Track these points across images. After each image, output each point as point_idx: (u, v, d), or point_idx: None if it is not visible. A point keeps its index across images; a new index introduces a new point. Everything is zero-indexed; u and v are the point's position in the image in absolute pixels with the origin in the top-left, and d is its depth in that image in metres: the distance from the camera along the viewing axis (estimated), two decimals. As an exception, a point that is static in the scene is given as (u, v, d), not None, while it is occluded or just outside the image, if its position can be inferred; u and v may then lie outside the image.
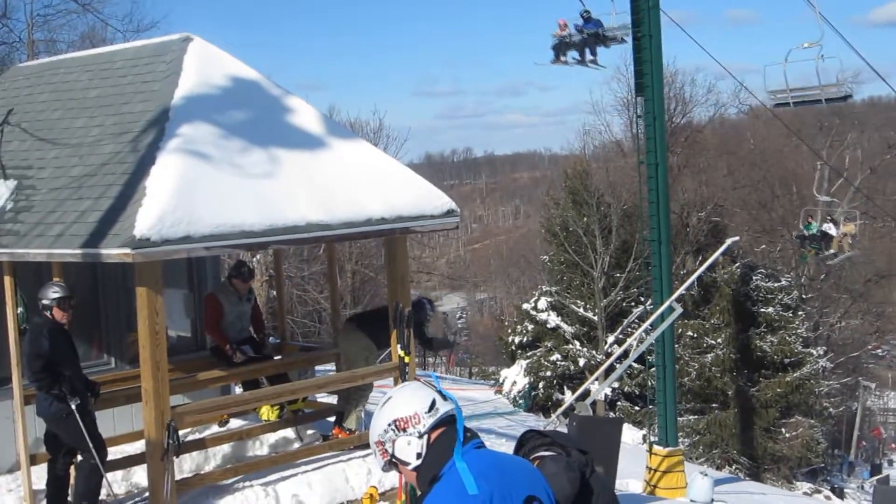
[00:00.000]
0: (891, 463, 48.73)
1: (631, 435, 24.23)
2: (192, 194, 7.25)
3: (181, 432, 7.55)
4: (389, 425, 3.15)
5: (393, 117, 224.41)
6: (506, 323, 40.66)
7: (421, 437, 3.13)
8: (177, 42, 9.30)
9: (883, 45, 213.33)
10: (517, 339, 34.18)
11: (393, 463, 3.20)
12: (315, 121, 9.31)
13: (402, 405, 3.17)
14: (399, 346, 9.06)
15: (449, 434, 3.14)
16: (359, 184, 8.60)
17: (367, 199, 8.50)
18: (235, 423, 10.33)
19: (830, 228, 21.81)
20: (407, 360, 9.05)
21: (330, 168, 8.63)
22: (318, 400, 11.85)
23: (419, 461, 3.15)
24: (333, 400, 10.98)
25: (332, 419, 10.05)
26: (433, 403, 3.16)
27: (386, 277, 10.67)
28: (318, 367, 13.73)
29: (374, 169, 8.99)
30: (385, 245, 10.00)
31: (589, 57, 20.72)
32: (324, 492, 8.46)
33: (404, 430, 3.14)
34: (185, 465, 9.02)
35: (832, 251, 22.02)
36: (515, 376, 32.59)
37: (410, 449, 3.14)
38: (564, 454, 3.36)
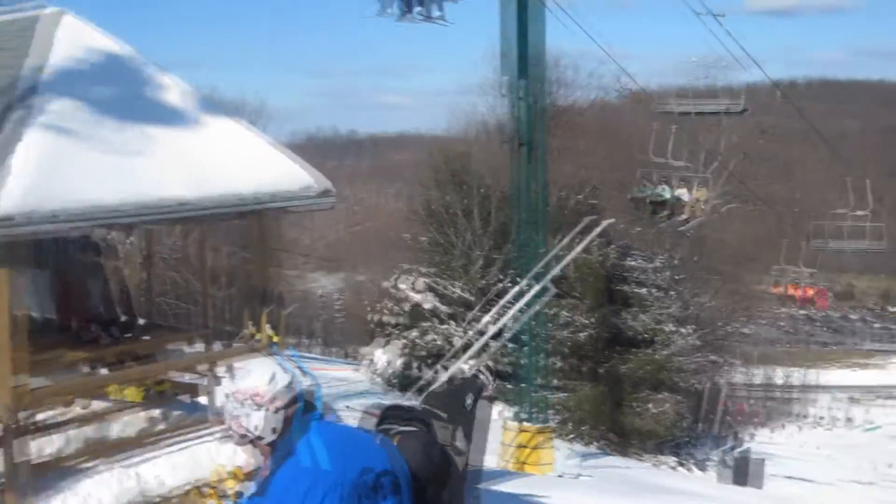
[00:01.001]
0: (752, 436, 51.12)
1: (504, 413, 24.81)
2: (58, 172, 7.18)
3: (42, 415, 7.50)
4: (245, 400, 3.14)
5: (277, 98, 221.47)
6: (381, 304, 40.91)
7: (277, 412, 3.15)
8: (49, 16, 9.14)
9: (760, 33, 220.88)
10: (393, 320, 34.48)
11: (247, 438, 3.20)
12: (189, 99, 9.30)
13: (258, 380, 3.16)
14: (268, 325, 9.22)
15: (304, 409, 3.18)
16: (232, 163, 8.63)
17: (240, 179, 8.54)
18: (99, 405, 10.26)
19: (665, 191, 22.11)
20: (276, 339, 9.22)
21: (203, 147, 8.64)
22: (186, 381, 11.84)
23: (274, 436, 3.16)
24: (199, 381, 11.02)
25: None
26: (290, 379, 3.19)
27: (252, 256, 10.74)
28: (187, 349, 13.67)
29: (248, 148, 9.03)
30: (254, 224, 10.03)
31: (436, 13, 20.26)
32: (188, 472, 8.47)
33: (260, 405, 3.14)
34: (46, 449, 8.92)
35: (684, 216, 22.48)
36: (390, 356, 32.89)
37: (266, 424, 3.14)
38: (425, 429, 3.47)
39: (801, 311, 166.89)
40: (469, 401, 3.61)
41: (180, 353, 13.33)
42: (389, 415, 3.57)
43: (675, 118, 25.68)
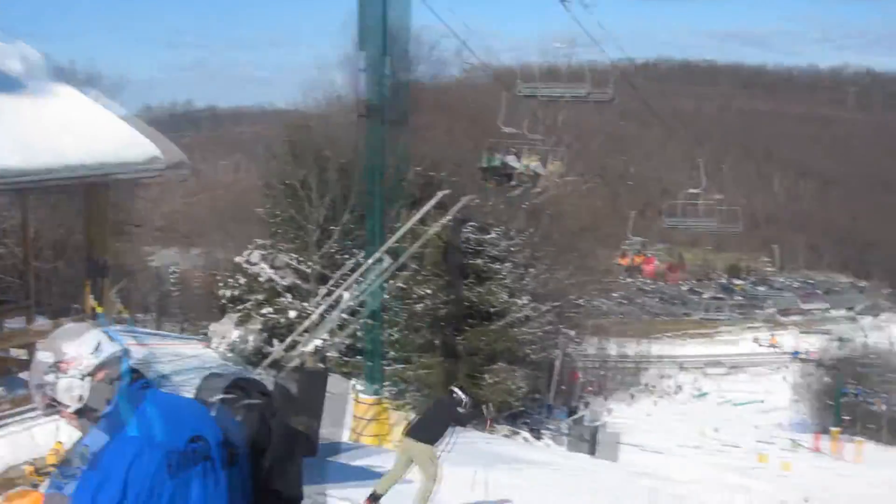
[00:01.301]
0: (587, 404, 53.08)
1: (340, 385, 24.98)
2: None
3: None
4: (50, 367, 3.06)
5: (135, 70, 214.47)
6: (218, 277, 40.39)
7: (83, 378, 3.06)
8: None
9: (619, 14, 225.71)
10: (229, 293, 34.15)
11: (53, 406, 3.11)
12: (32, 69, 9.06)
13: (64, 346, 3.07)
14: (91, 297, 9.15)
15: (113, 376, 3.09)
16: (71, 134, 8.50)
17: (78, 149, 8.41)
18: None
19: (513, 161, 22.56)
20: (100, 310, 9.16)
21: (38, 116, 8.47)
22: (9, 356, 11.57)
23: (80, 404, 3.07)
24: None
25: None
26: (98, 345, 3.09)
27: (83, 227, 10.58)
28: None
29: (92, 120, 8.90)
30: (84, 194, 9.90)
31: None
32: (5, 452, 8.33)
33: (65, 371, 3.05)
34: None
35: (538, 189, 22.99)
36: (226, 330, 32.59)
37: (72, 391, 3.05)
38: (244, 396, 3.37)
39: (648, 283, 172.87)
40: (316, 383, 3.73)
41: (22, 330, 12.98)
42: (228, 386, 3.47)
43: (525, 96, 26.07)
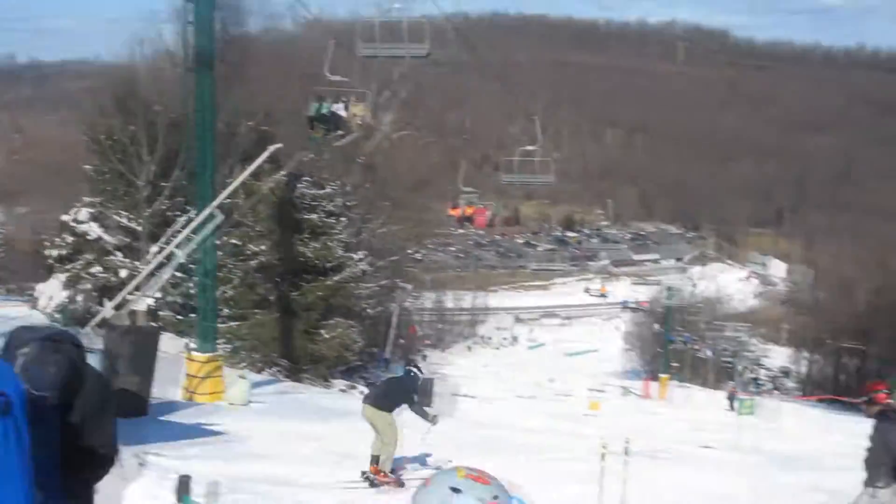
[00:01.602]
0: (425, 358, 54.17)
1: (173, 344, 24.90)
2: None
3: None
4: None
5: None
6: (44, 237, 39.15)
7: None
8: None
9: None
10: (56, 253, 33.24)
11: None
12: None
13: None
14: None
15: None
16: None
17: None
18: None
19: (340, 109, 22.69)
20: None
21: None
22: None
23: None
24: None
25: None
26: None
27: None
28: None
29: None
30: None
31: None
32: None
33: None
34: None
35: (340, 132, 23.04)
36: (53, 291, 31.79)
37: None
38: (55, 349, 3.28)
39: (484, 237, 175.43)
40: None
41: None
42: (38, 339, 3.29)
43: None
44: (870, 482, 9.01)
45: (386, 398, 13.59)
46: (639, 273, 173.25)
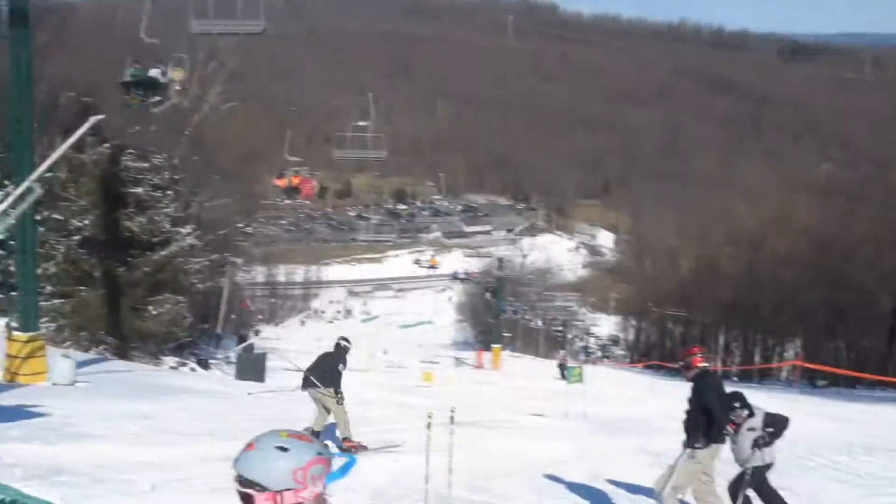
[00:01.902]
0: (257, 332, 53.74)
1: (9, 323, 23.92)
2: None
3: None
4: None
5: None
6: None
7: None
8: None
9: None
10: None
11: None
12: None
13: None
14: None
15: None
16: None
17: None
18: None
19: (157, 74, 22.15)
20: None
21: None
22: None
23: None
24: None
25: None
26: None
27: None
28: None
29: None
30: None
31: None
32: None
33: None
34: None
35: (159, 98, 22.52)
36: None
37: None
38: None
39: (310, 206, 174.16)
40: None
41: None
42: None
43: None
44: (689, 443, 9.64)
45: (321, 377, 15.07)
46: (470, 245, 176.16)
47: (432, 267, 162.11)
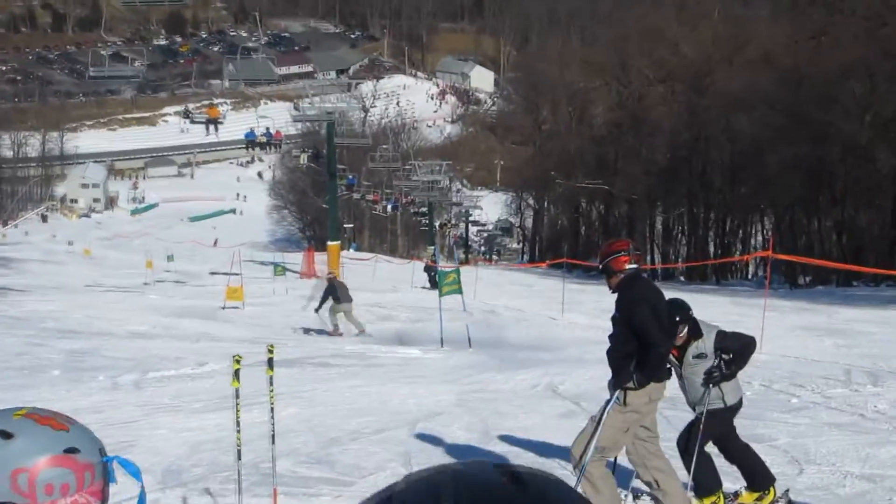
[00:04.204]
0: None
1: None
2: None
3: None
4: None
5: None
6: None
7: None
8: None
9: None
10: None
11: None
12: None
13: None
14: None
15: None
16: None
17: None
18: None
19: None
20: None
21: None
22: None
23: None
24: None
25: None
26: None
27: None
28: None
29: None
30: None
31: None
32: None
33: None
34: None
35: None
36: None
37: None
38: None
39: (39, 44, 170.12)
40: None
41: None
42: None
43: None
44: (616, 383, 9.24)
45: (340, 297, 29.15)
46: (284, 94, 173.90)
47: (211, 123, 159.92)
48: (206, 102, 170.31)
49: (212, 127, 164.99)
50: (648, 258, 72.30)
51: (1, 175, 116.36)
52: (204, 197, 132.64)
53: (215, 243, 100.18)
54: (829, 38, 66.20)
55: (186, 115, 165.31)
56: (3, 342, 22.55)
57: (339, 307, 29.12)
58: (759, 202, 69.12)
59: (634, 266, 9.38)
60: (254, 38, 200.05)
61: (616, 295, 9.37)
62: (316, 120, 66.64)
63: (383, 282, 51.02)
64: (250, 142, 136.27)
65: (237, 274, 39.33)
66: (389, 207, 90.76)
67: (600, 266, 9.33)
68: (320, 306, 29.00)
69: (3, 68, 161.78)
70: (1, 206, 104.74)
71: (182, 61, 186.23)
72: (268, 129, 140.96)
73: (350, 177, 79.62)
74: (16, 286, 40.85)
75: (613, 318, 9.36)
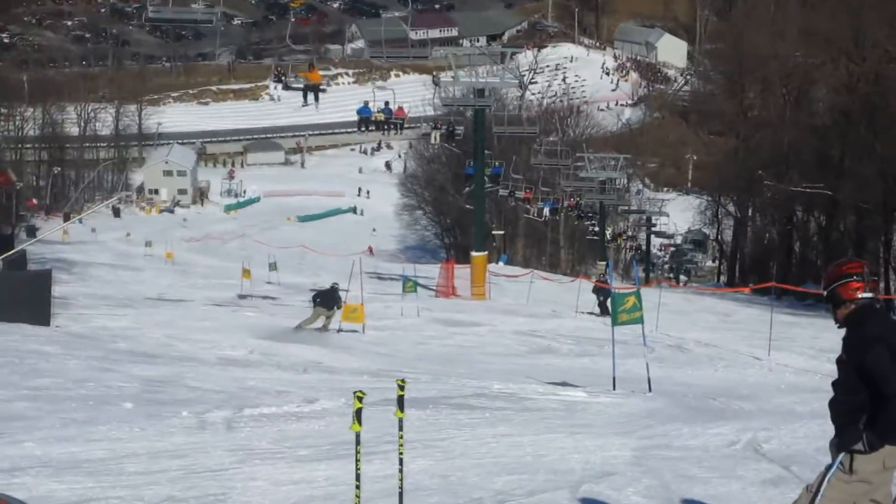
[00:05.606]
0: (32, 231, 54.06)
1: None
2: None
3: None
4: None
5: None
6: None
7: None
8: None
9: None
10: None
11: None
12: None
13: None
14: None
15: None
16: None
17: None
18: None
19: None
20: None
21: None
22: None
23: None
24: None
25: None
26: None
27: None
28: None
29: None
30: None
31: None
32: None
33: None
34: None
35: None
36: None
37: None
38: None
39: None
40: None
41: None
42: None
43: None
44: (841, 444, 9.07)
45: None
46: (419, 66, 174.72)
47: (311, 90, 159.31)
48: (325, 71, 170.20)
49: (311, 96, 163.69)
50: (882, 285, 71.01)
51: (64, 157, 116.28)
52: (318, 191, 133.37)
53: (370, 250, 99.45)
54: None
55: (279, 78, 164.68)
56: (63, 365, 22.84)
57: (328, 313, 37.48)
58: None
59: (869, 295, 9.12)
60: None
61: (844, 331, 9.09)
62: (462, 105, 63.22)
63: (541, 304, 51.17)
64: (364, 119, 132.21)
65: (344, 290, 39.31)
66: (546, 210, 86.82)
67: (825, 293, 9.03)
68: None
69: (69, 23, 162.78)
70: (63, 195, 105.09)
71: (294, 20, 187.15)
72: (387, 103, 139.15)
73: (496, 165, 76.04)
74: (80, 297, 41.48)
75: (839, 361, 9.01)
